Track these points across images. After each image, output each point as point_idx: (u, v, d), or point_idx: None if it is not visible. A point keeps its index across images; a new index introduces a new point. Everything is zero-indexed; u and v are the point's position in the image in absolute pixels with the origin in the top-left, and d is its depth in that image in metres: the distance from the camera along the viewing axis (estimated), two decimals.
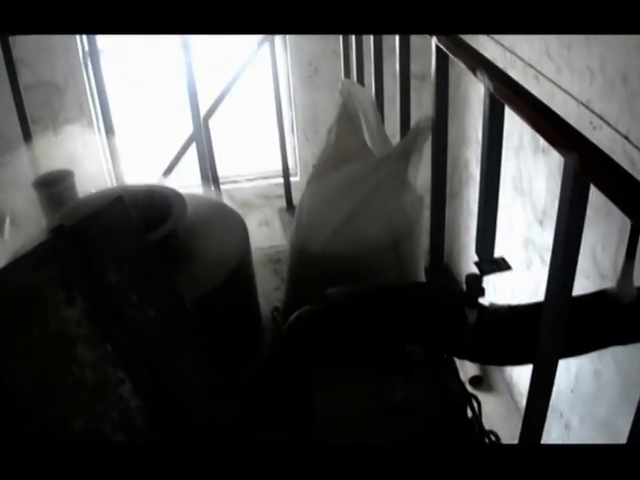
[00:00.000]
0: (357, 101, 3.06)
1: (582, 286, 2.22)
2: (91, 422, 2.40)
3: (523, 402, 5.50)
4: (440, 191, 2.95)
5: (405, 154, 2.80)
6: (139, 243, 2.47)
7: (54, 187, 3.04)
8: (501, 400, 6.20)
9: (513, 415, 5.76)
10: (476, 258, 2.57)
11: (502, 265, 2.51)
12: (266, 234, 5.76)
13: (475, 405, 2.84)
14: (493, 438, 2.69)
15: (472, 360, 2.81)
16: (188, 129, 4.56)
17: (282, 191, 5.06)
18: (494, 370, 6.42)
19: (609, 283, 2.33)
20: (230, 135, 6.75)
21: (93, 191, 2.98)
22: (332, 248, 2.89)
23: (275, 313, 3.29)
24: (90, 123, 6.37)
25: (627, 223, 1.78)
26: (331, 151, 3.08)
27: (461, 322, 2.37)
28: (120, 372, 2.42)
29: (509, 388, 6.21)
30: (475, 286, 2.35)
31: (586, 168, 1.70)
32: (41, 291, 2.47)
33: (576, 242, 1.86)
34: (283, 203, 5.07)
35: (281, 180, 5.12)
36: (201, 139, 4.22)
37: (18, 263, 2.52)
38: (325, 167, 3.05)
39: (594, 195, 1.73)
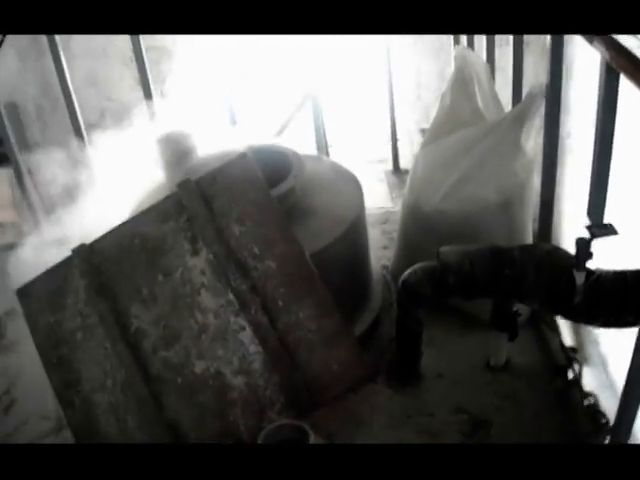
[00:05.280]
0: (472, 67, 3.12)
1: None
2: (212, 365, 2.57)
3: (616, 376, 5.44)
4: (551, 155, 3.01)
5: (519, 119, 2.86)
6: (262, 197, 2.60)
7: (177, 145, 3.18)
8: (594, 373, 6.11)
9: (606, 389, 5.67)
10: (571, 226, 2.57)
11: (610, 230, 2.53)
12: (367, 198, 5.85)
13: (576, 368, 2.90)
14: (592, 401, 2.75)
15: (578, 321, 2.85)
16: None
17: (382, 156, 5.16)
18: (590, 342, 6.35)
19: None
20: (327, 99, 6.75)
21: (214, 150, 3.11)
22: (445, 207, 2.97)
23: (384, 271, 3.40)
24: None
25: None
26: (445, 115, 3.16)
27: (570, 283, 2.41)
28: (241, 319, 2.56)
29: (603, 361, 6.14)
30: (584, 249, 2.39)
31: None
32: (167, 241, 2.64)
33: None
34: (381, 167, 5.15)
35: (379, 145, 5.24)
36: (316, 99, 4.32)
37: (146, 214, 2.69)
38: (439, 130, 3.13)
39: None
